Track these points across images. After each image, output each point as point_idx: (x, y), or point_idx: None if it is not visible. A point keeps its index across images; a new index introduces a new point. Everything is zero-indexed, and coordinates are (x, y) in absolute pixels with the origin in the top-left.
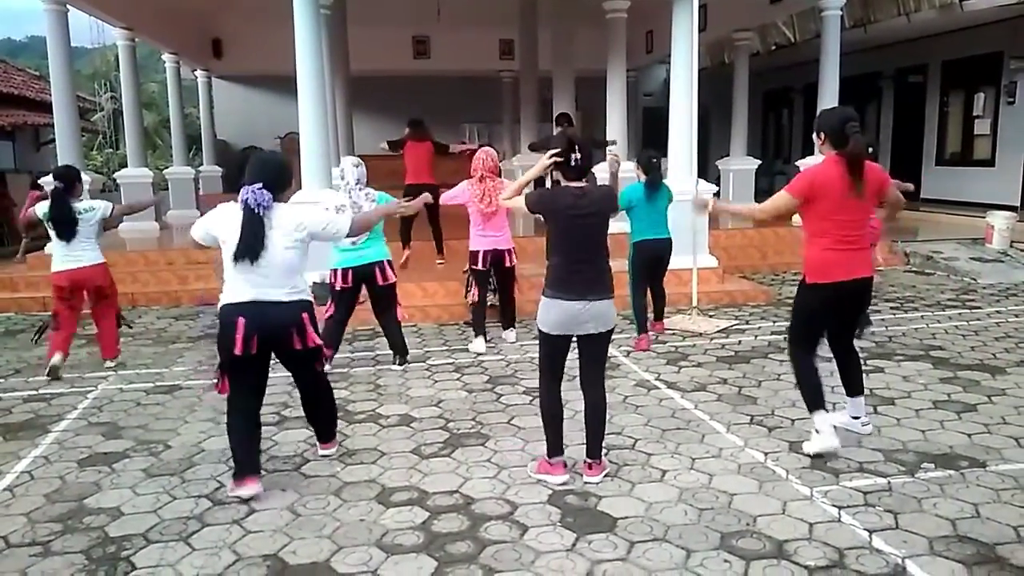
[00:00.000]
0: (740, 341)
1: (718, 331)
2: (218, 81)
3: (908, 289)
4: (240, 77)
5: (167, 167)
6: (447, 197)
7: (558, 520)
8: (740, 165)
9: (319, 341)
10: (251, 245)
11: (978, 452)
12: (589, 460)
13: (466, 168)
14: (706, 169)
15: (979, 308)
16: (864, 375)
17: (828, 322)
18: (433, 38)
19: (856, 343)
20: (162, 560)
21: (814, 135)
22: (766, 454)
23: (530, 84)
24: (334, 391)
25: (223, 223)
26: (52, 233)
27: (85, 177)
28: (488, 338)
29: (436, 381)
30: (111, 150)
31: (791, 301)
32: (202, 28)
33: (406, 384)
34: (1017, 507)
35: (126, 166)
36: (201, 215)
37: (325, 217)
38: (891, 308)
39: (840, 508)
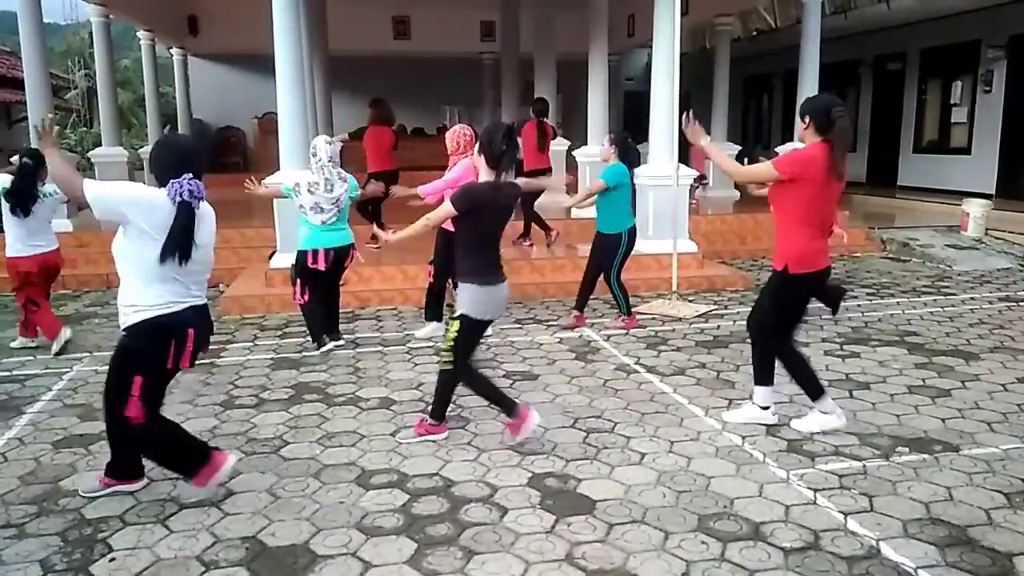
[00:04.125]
0: (719, 326)
1: (697, 316)
2: (194, 59)
3: (884, 275)
4: (217, 55)
5: (142, 146)
6: (450, 181)
7: (538, 503)
8: (720, 150)
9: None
10: (186, 246)
11: (952, 436)
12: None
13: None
14: (687, 154)
15: (954, 295)
16: (840, 360)
17: (800, 311)
18: (414, 18)
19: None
20: (139, 542)
21: (799, 119)
22: (743, 438)
23: (511, 67)
24: (315, 372)
25: (149, 204)
26: (6, 210)
27: None
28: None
29: (416, 364)
30: (85, 129)
31: None
32: (177, 5)
33: (386, 367)
34: (989, 490)
35: (100, 145)
36: None
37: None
38: (867, 294)
39: (816, 491)
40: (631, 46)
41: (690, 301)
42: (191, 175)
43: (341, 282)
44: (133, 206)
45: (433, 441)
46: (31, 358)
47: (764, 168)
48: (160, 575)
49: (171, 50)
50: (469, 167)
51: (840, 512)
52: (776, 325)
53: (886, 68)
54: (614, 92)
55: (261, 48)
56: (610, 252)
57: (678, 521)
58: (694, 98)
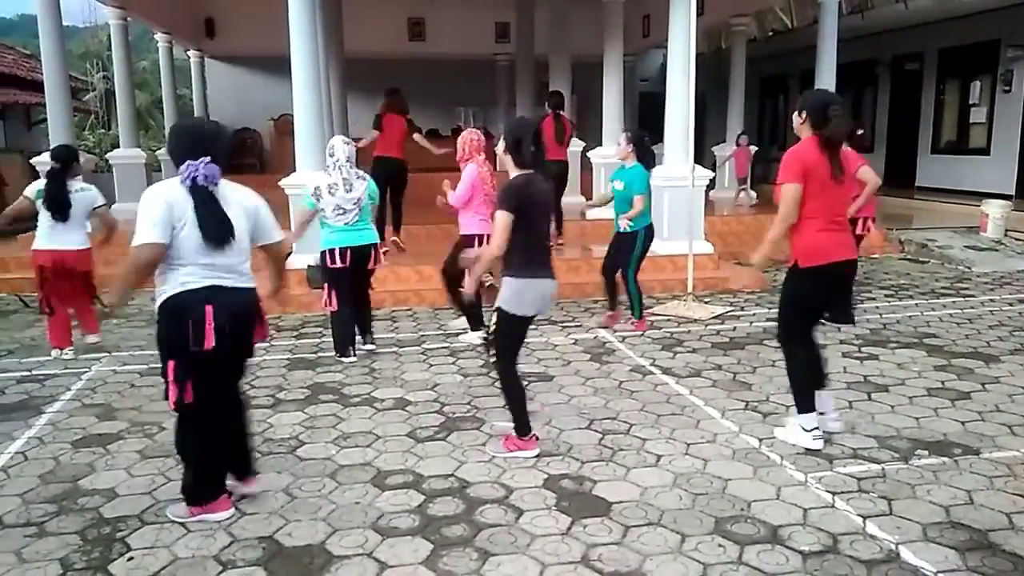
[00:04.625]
0: (735, 327)
1: (713, 317)
2: (211, 61)
3: (902, 277)
4: (233, 57)
5: (159, 148)
6: (460, 197)
7: (553, 504)
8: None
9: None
10: (222, 229)
11: (972, 439)
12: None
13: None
14: (702, 155)
15: (973, 296)
16: (858, 362)
17: (819, 308)
18: (429, 20)
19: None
20: (157, 541)
21: (795, 114)
22: (760, 440)
23: (526, 68)
24: (330, 373)
25: (167, 204)
26: (45, 214)
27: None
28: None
29: (431, 365)
30: (103, 130)
31: None
32: (195, 7)
33: (401, 368)
34: (1010, 494)
35: (118, 146)
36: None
37: (268, 212)
38: (885, 296)
39: (834, 494)
40: (646, 47)
41: (706, 303)
42: (208, 159)
43: (371, 286)
44: (163, 225)
45: (524, 458)
46: (49, 358)
47: (787, 190)
48: (178, 574)
49: (188, 52)
50: (473, 174)
51: (859, 515)
52: (798, 330)
53: (904, 68)
54: (629, 93)
55: (277, 50)
56: (626, 251)
57: (695, 524)
58: (710, 99)
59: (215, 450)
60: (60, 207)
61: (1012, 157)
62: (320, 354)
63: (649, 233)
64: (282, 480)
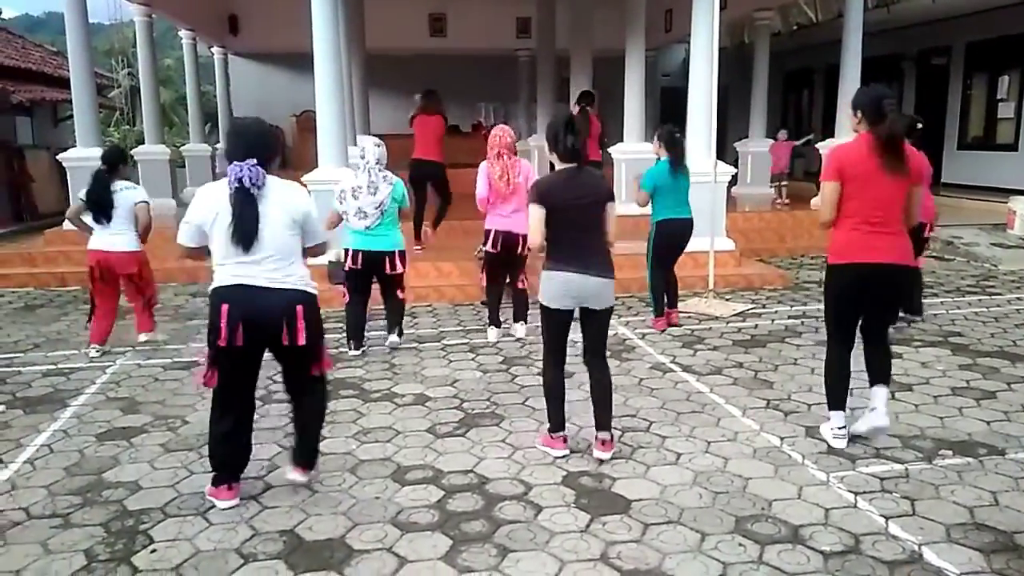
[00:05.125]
0: (756, 325)
1: (734, 315)
2: (234, 58)
3: (927, 275)
4: (256, 54)
5: (184, 144)
6: (479, 196)
7: (572, 501)
8: (759, 147)
9: (313, 340)
10: (247, 230)
11: (997, 439)
12: (600, 435)
13: (480, 148)
14: (724, 151)
15: (999, 295)
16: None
17: (853, 308)
18: (450, 15)
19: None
20: (180, 534)
21: (851, 112)
22: (782, 439)
23: (547, 63)
24: (351, 368)
25: (207, 207)
26: (89, 216)
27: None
28: (503, 324)
29: (451, 361)
30: (128, 127)
31: (808, 285)
32: (218, 4)
33: (421, 364)
34: None
35: (143, 143)
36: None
37: (319, 221)
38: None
39: (856, 494)
40: (668, 41)
41: (727, 300)
42: (254, 161)
43: (400, 287)
44: (195, 231)
45: (552, 456)
46: (75, 352)
47: (825, 189)
48: (200, 567)
49: (212, 49)
50: (480, 172)
51: (881, 516)
52: (831, 328)
53: (930, 62)
54: (650, 88)
55: (300, 47)
56: (649, 246)
57: (715, 522)
58: (733, 94)
59: (220, 438)
60: (101, 207)
61: None
62: (341, 349)
63: (664, 228)
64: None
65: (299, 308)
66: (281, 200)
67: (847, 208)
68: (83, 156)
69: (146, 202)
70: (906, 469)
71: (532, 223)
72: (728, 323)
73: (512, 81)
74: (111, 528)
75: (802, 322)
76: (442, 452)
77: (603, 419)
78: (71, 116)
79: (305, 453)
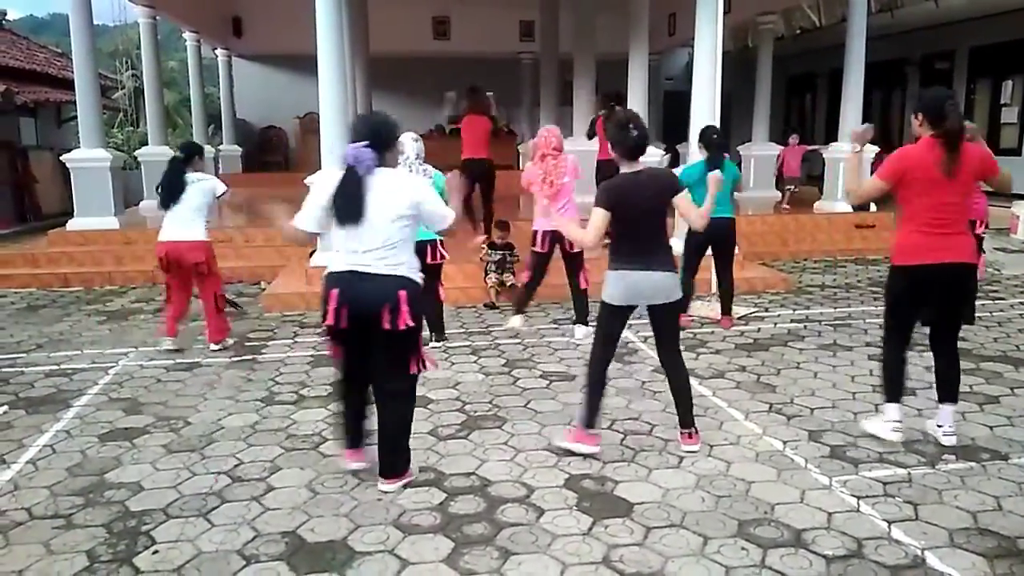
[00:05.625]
0: (759, 328)
1: (737, 318)
2: (238, 60)
3: None
4: (260, 56)
5: None
6: (525, 184)
7: (574, 504)
8: (762, 151)
9: (412, 325)
10: (350, 208)
11: (1000, 444)
12: (684, 430)
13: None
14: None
15: (1002, 299)
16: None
17: (915, 309)
18: (454, 19)
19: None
20: (182, 535)
21: (912, 117)
22: (784, 442)
23: (550, 67)
24: None
25: (322, 189)
26: (159, 201)
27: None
28: (527, 317)
29: (453, 363)
30: (132, 128)
31: (811, 289)
32: (222, 6)
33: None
34: None
35: (147, 144)
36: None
37: (438, 204)
38: None
39: (859, 498)
40: (672, 45)
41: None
42: (366, 143)
43: (440, 282)
44: (311, 216)
45: (582, 454)
46: (78, 352)
47: (872, 182)
48: (202, 568)
49: (216, 51)
50: (526, 174)
51: (884, 520)
52: (888, 327)
53: (934, 67)
54: (654, 92)
55: (303, 49)
56: (684, 245)
57: (717, 526)
58: (736, 98)
59: (343, 408)
60: (171, 193)
61: None
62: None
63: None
64: (305, 476)
65: (402, 293)
66: (390, 190)
67: (910, 210)
68: (87, 157)
69: (227, 191)
70: (909, 474)
71: (593, 227)
72: (731, 326)
73: (515, 85)
74: (113, 529)
75: (805, 326)
76: (444, 454)
77: (686, 413)
78: (75, 117)
79: (385, 464)
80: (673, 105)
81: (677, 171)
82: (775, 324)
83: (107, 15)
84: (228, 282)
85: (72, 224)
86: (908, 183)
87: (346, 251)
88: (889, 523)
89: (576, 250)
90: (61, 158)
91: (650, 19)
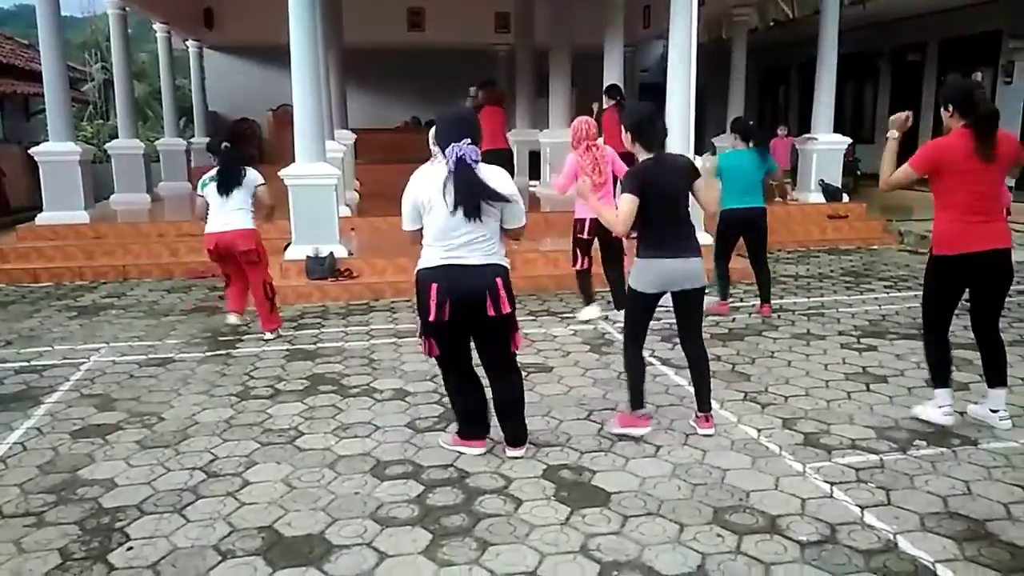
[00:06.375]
0: (734, 319)
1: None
2: (210, 52)
3: (901, 268)
4: (232, 48)
5: (158, 139)
6: (562, 185)
7: (552, 494)
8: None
9: (512, 309)
10: (475, 201)
11: (970, 430)
12: (701, 413)
13: None
14: (701, 147)
15: None
16: (857, 353)
17: (955, 297)
18: (428, 10)
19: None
20: (156, 531)
21: (942, 110)
22: (759, 430)
23: (526, 58)
24: (329, 364)
25: (422, 190)
26: (214, 189)
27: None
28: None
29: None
30: (101, 121)
31: (785, 279)
32: None
33: (400, 358)
34: (1008, 484)
35: (117, 137)
36: (193, 187)
37: (520, 201)
38: (884, 287)
39: (832, 484)
40: (646, 37)
41: (707, 294)
42: (469, 140)
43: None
44: (413, 216)
45: (634, 438)
46: (49, 348)
47: (903, 171)
48: (177, 564)
49: (187, 43)
50: (571, 163)
51: (857, 505)
52: (927, 315)
53: (905, 59)
54: (629, 84)
55: (276, 40)
56: (716, 234)
57: (693, 514)
58: (710, 90)
59: (457, 398)
60: (227, 182)
61: None
62: (319, 344)
63: (726, 217)
64: (281, 470)
65: (499, 280)
66: (492, 182)
67: (947, 200)
68: (56, 151)
69: (264, 183)
70: (881, 460)
71: (624, 212)
72: (706, 317)
73: (491, 75)
74: (86, 526)
75: (779, 315)
76: (422, 447)
77: (705, 397)
78: (43, 110)
79: (516, 434)
80: (648, 96)
81: (713, 159)
82: (749, 314)
83: (75, 6)
84: (202, 276)
85: (41, 218)
86: (943, 174)
87: (441, 246)
88: (862, 508)
89: (615, 237)
90: (29, 151)
91: (625, 11)
